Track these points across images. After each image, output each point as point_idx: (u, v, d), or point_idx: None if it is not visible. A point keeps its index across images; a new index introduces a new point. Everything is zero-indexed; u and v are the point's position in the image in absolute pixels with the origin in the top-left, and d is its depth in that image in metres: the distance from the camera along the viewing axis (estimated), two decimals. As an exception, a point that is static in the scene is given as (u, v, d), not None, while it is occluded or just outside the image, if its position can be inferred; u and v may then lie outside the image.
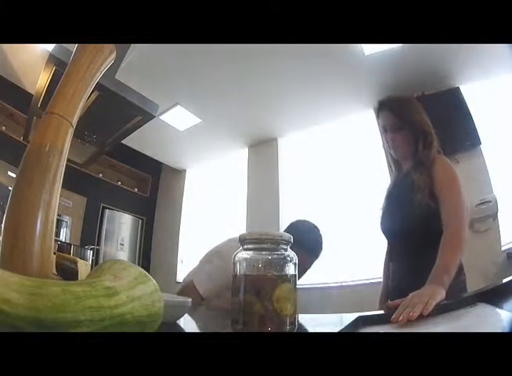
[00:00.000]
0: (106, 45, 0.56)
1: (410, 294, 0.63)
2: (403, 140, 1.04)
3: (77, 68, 0.52)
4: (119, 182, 3.99)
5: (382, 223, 1.10)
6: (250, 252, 0.44)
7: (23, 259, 0.40)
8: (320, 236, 1.25)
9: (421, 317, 0.52)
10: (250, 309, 0.40)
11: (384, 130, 1.08)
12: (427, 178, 0.95)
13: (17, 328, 0.25)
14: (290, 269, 0.43)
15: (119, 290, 0.33)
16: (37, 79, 1.74)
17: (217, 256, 1.20)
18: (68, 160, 0.48)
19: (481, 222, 2.29)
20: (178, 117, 3.18)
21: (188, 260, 3.78)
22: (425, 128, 1.04)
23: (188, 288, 1.15)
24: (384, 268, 1.13)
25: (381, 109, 1.09)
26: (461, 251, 0.83)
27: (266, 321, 0.39)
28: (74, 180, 3.00)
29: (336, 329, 0.48)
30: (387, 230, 1.08)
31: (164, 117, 3.12)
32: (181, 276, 3.75)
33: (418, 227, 0.94)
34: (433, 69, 2.49)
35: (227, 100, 3.00)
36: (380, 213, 1.12)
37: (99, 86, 1.50)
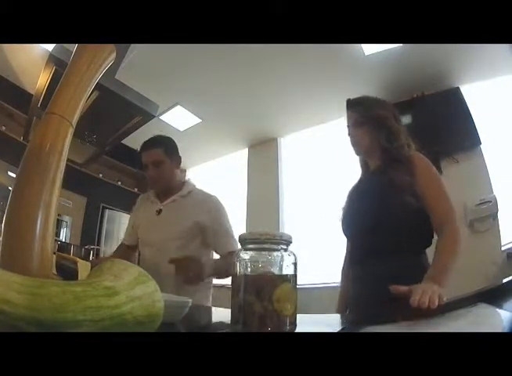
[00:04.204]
0: (106, 45, 0.56)
1: (414, 286, 0.63)
2: (363, 136, 1.02)
3: (77, 68, 0.52)
4: (119, 182, 3.99)
5: (346, 224, 1.03)
6: (250, 252, 0.43)
7: (23, 259, 0.40)
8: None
9: (422, 315, 0.52)
10: (250, 309, 0.40)
11: (348, 128, 1.06)
12: (408, 177, 0.90)
13: (17, 328, 0.25)
14: (290, 269, 0.43)
15: (119, 290, 0.33)
16: (37, 79, 1.74)
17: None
18: (68, 160, 0.49)
19: (481, 222, 2.29)
20: (178, 117, 3.19)
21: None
22: (388, 123, 0.99)
23: (118, 248, 1.50)
24: (343, 273, 1.09)
25: (346, 109, 1.08)
26: (459, 251, 0.82)
27: (266, 321, 0.39)
28: (74, 180, 2.99)
29: (336, 329, 0.48)
30: (354, 231, 1.01)
31: (164, 117, 3.12)
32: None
33: (395, 228, 0.88)
34: (433, 69, 2.49)
35: (227, 100, 3.00)
36: (341, 213, 1.06)
37: (99, 86, 1.50)
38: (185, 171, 4.17)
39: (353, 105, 1.07)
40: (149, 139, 1.36)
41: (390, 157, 0.96)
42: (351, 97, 1.08)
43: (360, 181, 1.11)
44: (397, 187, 0.89)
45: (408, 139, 1.02)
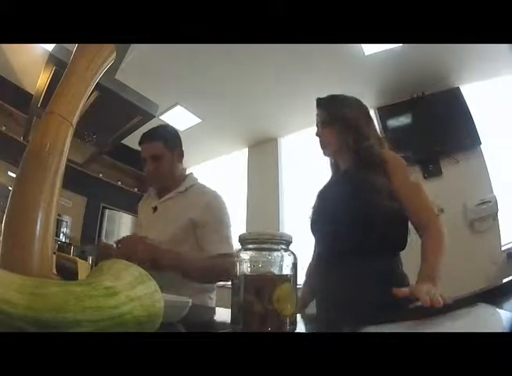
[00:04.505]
0: (106, 45, 0.56)
1: (414, 287, 0.62)
2: (331, 137, 0.99)
3: (77, 68, 0.52)
4: (119, 182, 3.98)
5: (315, 224, 1.00)
6: (250, 252, 0.43)
7: (23, 259, 0.40)
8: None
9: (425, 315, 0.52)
10: (250, 309, 0.40)
11: (316, 128, 1.03)
12: (381, 178, 0.87)
13: (17, 328, 0.25)
14: (290, 269, 0.43)
15: (119, 290, 0.33)
16: (37, 79, 1.74)
17: None
18: (68, 160, 0.48)
19: (481, 222, 2.29)
20: (178, 117, 3.18)
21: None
22: (356, 123, 0.96)
23: None
24: (308, 273, 1.07)
25: (316, 108, 1.04)
26: (446, 250, 0.79)
27: (266, 321, 0.39)
28: (74, 180, 2.99)
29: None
30: (324, 232, 0.97)
31: (164, 117, 3.12)
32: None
33: (366, 230, 0.85)
34: (433, 69, 2.49)
35: (227, 100, 3.00)
36: (310, 212, 1.03)
37: (99, 86, 1.50)
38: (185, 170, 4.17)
39: (321, 104, 1.04)
40: (148, 131, 1.27)
41: (360, 158, 0.93)
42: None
43: (331, 181, 1.08)
44: (369, 189, 0.86)
45: (380, 138, 0.99)
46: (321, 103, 1.04)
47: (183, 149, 1.29)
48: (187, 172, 1.35)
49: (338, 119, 0.98)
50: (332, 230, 0.92)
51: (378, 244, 0.84)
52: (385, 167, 0.89)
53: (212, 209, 1.15)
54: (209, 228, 1.13)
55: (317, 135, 1.03)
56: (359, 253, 0.84)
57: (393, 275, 0.85)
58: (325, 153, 1.05)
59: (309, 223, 1.02)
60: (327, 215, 0.96)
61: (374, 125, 1.02)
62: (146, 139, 1.23)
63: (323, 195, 1.05)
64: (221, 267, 1.06)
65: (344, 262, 0.87)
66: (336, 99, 1.03)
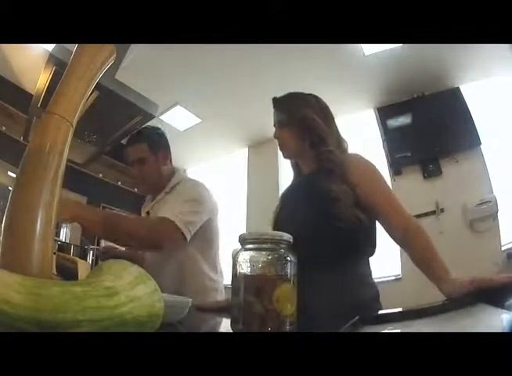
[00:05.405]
0: (105, 45, 0.56)
1: (471, 280, 0.63)
2: (289, 139, 0.94)
3: (77, 68, 0.52)
4: (119, 182, 3.99)
5: (275, 228, 0.93)
6: (250, 252, 0.44)
7: (23, 259, 0.40)
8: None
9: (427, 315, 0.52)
10: (250, 309, 0.40)
11: (274, 128, 0.98)
12: (344, 186, 0.81)
13: (17, 328, 0.25)
14: (290, 269, 0.43)
15: (119, 290, 0.33)
16: (37, 79, 1.74)
17: None
18: (68, 160, 0.48)
19: (481, 222, 2.29)
20: (178, 117, 3.18)
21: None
22: (313, 124, 0.90)
23: None
24: None
25: (273, 108, 0.99)
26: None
27: (266, 321, 0.39)
28: (74, 180, 2.99)
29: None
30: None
31: (163, 117, 3.12)
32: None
33: (327, 239, 0.80)
34: (433, 69, 2.49)
35: (227, 100, 3.00)
36: (272, 216, 0.98)
37: (99, 86, 1.50)
38: (185, 171, 4.17)
39: (277, 104, 0.97)
40: (132, 134, 1.27)
41: (320, 162, 0.87)
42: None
43: (294, 184, 1.02)
44: (331, 198, 0.80)
45: (340, 140, 0.95)
46: (277, 102, 0.98)
47: (171, 150, 1.29)
48: (177, 170, 1.33)
49: (295, 119, 0.93)
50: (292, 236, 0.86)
51: (339, 253, 0.79)
52: (347, 174, 0.83)
53: (183, 195, 1.13)
54: (178, 202, 1.09)
55: (274, 136, 0.98)
56: (320, 261, 0.78)
57: (357, 283, 0.81)
58: (284, 156, 0.99)
59: (270, 227, 0.96)
60: (289, 219, 0.91)
61: (334, 126, 0.97)
62: (130, 142, 1.23)
63: (285, 199, 1.00)
64: (149, 228, 1.01)
65: (304, 270, 0.81)
66: (292, 98, 0.98)
